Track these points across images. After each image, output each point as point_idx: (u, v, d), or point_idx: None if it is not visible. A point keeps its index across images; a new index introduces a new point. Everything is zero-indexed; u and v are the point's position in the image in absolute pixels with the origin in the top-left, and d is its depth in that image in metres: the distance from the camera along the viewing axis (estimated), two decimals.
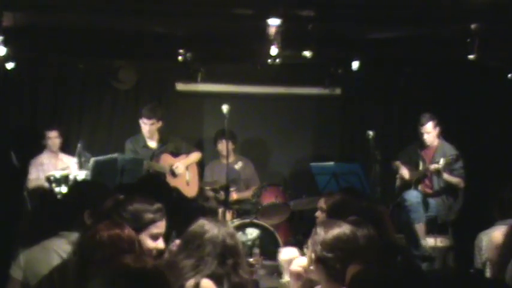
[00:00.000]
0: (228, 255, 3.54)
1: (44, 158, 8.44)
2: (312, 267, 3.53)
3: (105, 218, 3.58)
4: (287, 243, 8.12)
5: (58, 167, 8.32)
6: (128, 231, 3.13)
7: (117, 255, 2.95)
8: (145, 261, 2.57)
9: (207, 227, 3.61)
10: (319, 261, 3.46)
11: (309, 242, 3.57)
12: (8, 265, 4.11)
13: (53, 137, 8.46)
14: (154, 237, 3.69)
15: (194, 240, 3.59)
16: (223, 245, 3.54)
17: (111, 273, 2.52)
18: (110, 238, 3.06)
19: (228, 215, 7.92)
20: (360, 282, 2.68)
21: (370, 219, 3.85)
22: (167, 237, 3.87)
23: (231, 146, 8.54)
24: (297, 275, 3.75)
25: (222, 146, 8.65)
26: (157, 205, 3.78)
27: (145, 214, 3.69)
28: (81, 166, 7.97)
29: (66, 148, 8.72)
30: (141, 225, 3.65)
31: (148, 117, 8.48)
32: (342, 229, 3.49)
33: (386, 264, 2.84)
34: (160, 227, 3.73)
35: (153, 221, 3.70)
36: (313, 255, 3.49)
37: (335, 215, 4.05)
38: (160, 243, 3.71)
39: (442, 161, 7.95)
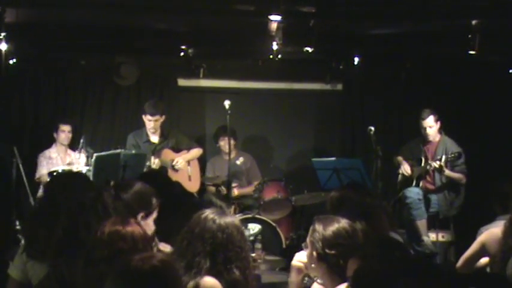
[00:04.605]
0: (219, 251, 3.40)
1: (53, 152, 8.48)
2: (313, 265, 3.50)
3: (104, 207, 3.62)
4: (289, 239, 8.18)
5: (66, 161, 8.36)
6: (132, 227, 3.13)
7: (116, 254, 2.98)
8: (153, 259, 2.55)
9: (200, 220, 3.47)
10: (321, 258, 3.44)
11: (308, 240, 3.55)
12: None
13: (67, 131, 8.51)
14: (154, 221, 3.76)
15: (185, 236, 3.47)
16: (213, 242, 3.39)
17: (121, 274, 2.52)
18: (109, 236, 3.06)
19: (230, 210, 7.94)
20: (364, 277, 2.69)
21: (361, 214, 3.85)
22: (169, 233, 3.87)
23: (232, 142, 8.57)
24: (297, 270, 3.74)
25: (224, 142, 8.69)
26: (152, 188, 3.84)
27: (152, 198, 3.75)
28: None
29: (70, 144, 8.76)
30: (151, 210, 3.71)
31: (153, 114, 8.50)
32: (341, 224, 3.48)
33: (384, 258, 2.85)
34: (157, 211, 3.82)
35: (157, 205, 3.76)
36: (314, 253, 3.46)
37: (331, 211, 4.05)
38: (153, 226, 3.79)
39: (443, 158, 7.96)
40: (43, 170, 8.29)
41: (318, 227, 3.48)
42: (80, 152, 8.15)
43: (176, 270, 2.67)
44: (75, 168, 7.88)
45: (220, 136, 8.85)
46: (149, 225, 3.71)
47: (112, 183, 4.07)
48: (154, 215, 3.83)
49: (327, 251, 3.41)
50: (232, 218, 3.59)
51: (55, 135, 8.53)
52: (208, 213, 3.50)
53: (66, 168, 7.80)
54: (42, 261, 3.94)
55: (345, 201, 4.47)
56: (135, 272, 2.48)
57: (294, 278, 3.74)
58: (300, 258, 3.68)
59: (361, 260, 2.93)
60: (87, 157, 7.95)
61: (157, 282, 2.50)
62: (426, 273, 2.59)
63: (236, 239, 3.46)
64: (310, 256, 3.52)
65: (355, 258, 3.02)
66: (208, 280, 3.34)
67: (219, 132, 8.88)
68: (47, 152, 8.48)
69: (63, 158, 8.47)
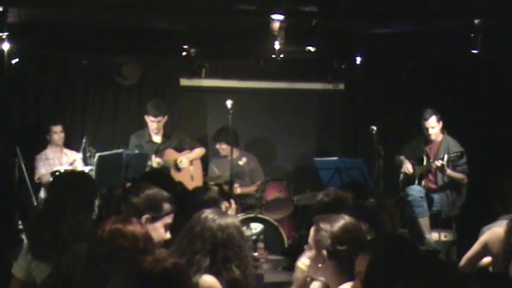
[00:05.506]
0: (218, 250, 3.41)
1: (49, 153, 8.50)
2: (320, 265, 3.44)
3: (115, 206, 3.61)
4: (291, 238, 8.18)
5: (63, 161, 8.38)
6: (133, 226, 3.13)
7: (117, 252, 2.97)
8: (166, 261, 2.53)
9: (201, 219, 3.48)
10: (330, 256, 3.39)
11: (311, 240, 3.50)
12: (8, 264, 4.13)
13: (58, 131, 8.52)
14: (166, 227, 3.72)
15: (186, 235, 3.47)
16: (213, 241, 3.40)
17: (131, 275, 2.51)
18: (110, 233, 3.06)
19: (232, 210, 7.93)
20: (376, 271, 2.67)
21: (363, 216, 3.83)
22: (172, 233, 3.86)
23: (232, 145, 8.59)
24: (302, 270, 3.73)
25: (220, 147, 8.80)
26: (169, 194, 3.80)
27: (163, 203, 3.71)
28: (85, 161, 8.03)
29: (70, 144, 8.76)
30: (159, 215, 3.68)
31: (156, 115, 8.52)
32: (347, 220, 3.45)
33: (394, 255, 2.83)
34: (172, 217, 3.77)
35: (170, 212, 3.73)
36: (324, 252, 3.40)
37: (328, 212, 4.02)
38: (168, 234, 3.74)
39: (446, 158, 7.96)
40: (42, 171, 8.31)
41: (324, 225, 3.44)
42: (82, 152, 8.17)
43: (188, 274, 2.64)
44: (73, 167, 7.90)
45: (217, 142, 8.86)
46: (157, 229, 3.67)
47: (128, 184, 4.06)
48: (167, 220, 3.74)
49: (338, 247, 3.38)
50: (232, 218, 3.60)
51: (48, 137, 8.53)
52: (209, 212, 3.52)
53: (68, 168, 7.81)
54: (47, 262, 3.94)
55: (342, 202, 4.46)
56: (147, 274, 2.46)
57: (299, 275, 3.74)
58: (305, 262, 3.66)
59: (370, 255, 2.90)
60: (89, 157, 7.96)
61: (168, 285, 2.48)
62: (439, 270, 2.57)
63: (236, 238, 3.47)
64: (317, 256, 3.45)
65: (364, 254, 2.99)
66: (208, 278, 3.35)
67: (217, 137, 8.88)
68: (43, 153, 8.49)
69: (59, 157, 8.49)
